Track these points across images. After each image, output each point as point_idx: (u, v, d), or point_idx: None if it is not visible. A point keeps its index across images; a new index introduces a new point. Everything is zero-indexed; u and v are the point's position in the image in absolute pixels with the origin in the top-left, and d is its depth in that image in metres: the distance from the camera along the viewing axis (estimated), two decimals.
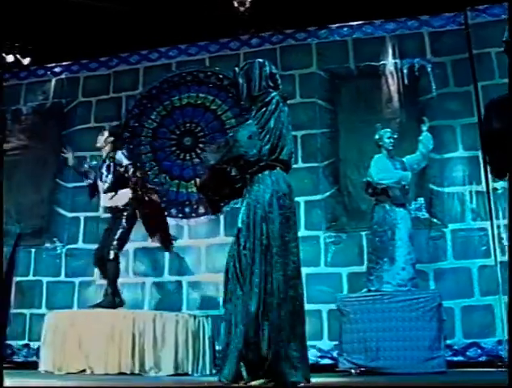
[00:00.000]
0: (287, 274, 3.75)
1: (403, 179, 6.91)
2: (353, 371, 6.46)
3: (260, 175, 3.83)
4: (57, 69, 9.85)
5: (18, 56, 10.23)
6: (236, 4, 8.70)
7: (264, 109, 3.88)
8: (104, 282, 8.37)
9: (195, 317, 6.87)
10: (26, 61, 10.25)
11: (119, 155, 7.07)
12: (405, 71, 8.32)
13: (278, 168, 3.86)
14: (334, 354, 7.56)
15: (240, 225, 3.86)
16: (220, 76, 8.92)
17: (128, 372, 6.25)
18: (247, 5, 8.69)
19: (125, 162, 7.01)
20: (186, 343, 6.57)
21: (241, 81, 4.07)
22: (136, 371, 6.23)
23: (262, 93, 3.97)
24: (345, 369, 6.54)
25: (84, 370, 6.32)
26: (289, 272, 3.77)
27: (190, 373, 6.55)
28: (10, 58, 10.13)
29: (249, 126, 3.91)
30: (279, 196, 3.79)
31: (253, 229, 3.77)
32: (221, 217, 8.32)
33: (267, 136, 3.81)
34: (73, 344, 6.42)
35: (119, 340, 6.32)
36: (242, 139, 3.85)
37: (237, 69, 4.22)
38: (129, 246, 8.10)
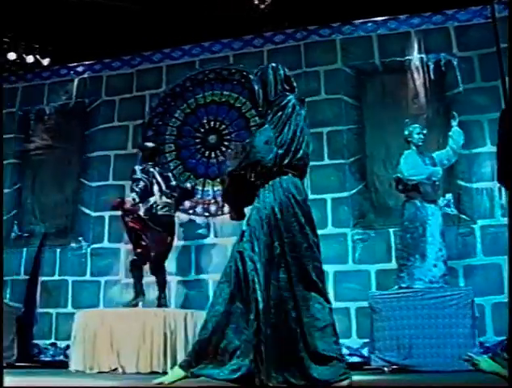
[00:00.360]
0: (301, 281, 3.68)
1: (434, 175, 6.85)
2: (385, 369, 6.41)
3: (272, 180, 3.76)
4: (80, 69, 9.84)
5: (37, 56, 10.28)
6: (256, 1, 8.69)
7: (280, 113, 3.82)
8: (129, 280, 8.42)
9: None
10: (45, 61, 10.29)
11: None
12: (431, 66, 8.23)
13: (290, 174, 3.78)
14: (363, 352, 7.53)
15: (244, 227, 3.82)
16: (244, 73, 8.86)
17: (161, 371, 6.25)
18: (267, 1, 8.67)
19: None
20: None
21: (256, 87, 4.02)
22: (169, 370, 6.19)
23: (278, 97, 3.91)
24: (377, 366, 6.49)
25: (116, 369, 6.33)
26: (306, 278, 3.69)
27: None
28: (30, 59, 10.19)
29: (265, 131, 3.84)
30: (290, 202, 3.72)
31: (259, 235, 3.70)
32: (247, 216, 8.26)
33: (283, 141, 3.75)
34: (104, 343, 6.44)
35: (151, 339, 6.32)
36: (259, 145, 3.79)
37: (251, 76, 4.19)
38: None
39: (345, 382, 3.52)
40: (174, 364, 6.25)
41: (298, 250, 3.69)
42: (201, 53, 9.24)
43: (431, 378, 5.58)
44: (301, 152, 3.79)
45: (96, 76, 9.71)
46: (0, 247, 6.42)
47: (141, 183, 7.36)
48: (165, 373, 6.18)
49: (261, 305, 3.56)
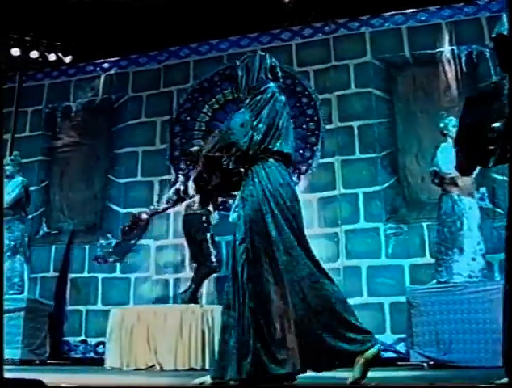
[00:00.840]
0: (296, 274, 3.52)
1: None
2: (425, 364, 6.34)
3: (253, 167, 3.66)
4: (106, 65, 9.82)
5: (59, 54, 10.27)
6: None
7: (258, 98, 3.74)
8: (160, 277, 8.41)
9: None
10: (67, 59, 10.28)
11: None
12: (463, 58, 8.13)
13: (272, 159, 3.65)
14: (398, 347, 7.47)
15: (231, 220, 3.75)
16: None
17: (199, 368, 6.22)
18: None
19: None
20: None
21: (240, 73, 3.93)
22: (207, 367, 6.16)
23: (258, 83, 3.83)
24: (417, 362, 6.42)
25: (153, 366, 6.30)
26: (300, 272, 3.53)
27: None
28: (52, 57, 10.19)
29: (242, 114, 3.76)
30: (275, 188, 3.60)
31: (249, 224, 3.58)
32: None
33: (260, 125, 3.65)
34: (140, 340, 6.41)
35: (188, 336, 6.28)
36: (235, 126, 3.70)
37: (237, 61, 4.12)
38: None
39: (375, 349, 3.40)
40: (212, 360, 6.23)
41: (283, 237, 3.55)
42: (229, 48, 9.18)
43: (470, 374, 5.50)
44: (282, 137, 3.67)
45: (122, 72, 9.69)
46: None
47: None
48: (204, 369, 6.17)
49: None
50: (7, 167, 8.29)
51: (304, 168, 8.36)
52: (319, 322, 3.44)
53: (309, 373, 3.53)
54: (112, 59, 9.80)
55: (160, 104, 9.28)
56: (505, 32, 2.82)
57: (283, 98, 3.83)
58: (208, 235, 7.43)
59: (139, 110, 9.35)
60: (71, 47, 10.32)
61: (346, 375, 3.39)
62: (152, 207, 8.07)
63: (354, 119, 8.31)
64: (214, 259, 7.34)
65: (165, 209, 7.94)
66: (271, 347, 3.37)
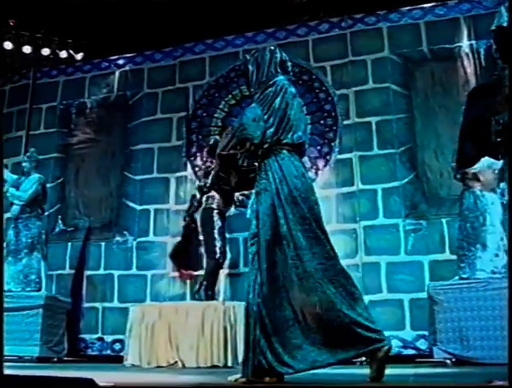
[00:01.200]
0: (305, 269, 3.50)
1: (494, 163, 6.69)
2: (448, 361, 6.28)
3: (266, 160, 3.67)
4: (121, 62, 9.78)
5: (71, 51, 10.25)
6: None
7: (268, 91, 3.76)
8: (177, 274, 8.37)
9: None
10: (79, 56, 10.26)
11: None
12: (482, 52, 8.06)
13: (285, 151, 3.67)
14: (418, 344, 7.42)
15: (248, 216, 3.74)
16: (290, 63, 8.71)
17: (221, 365, 6.17)
18: None
19: None
20: None
21: (250, 68, 3.96)
22: (230, 364, 6.13)
23: (267, 77, 3.85)
24: (440, 359, 6.36)
25: (175, 363, 6.26)
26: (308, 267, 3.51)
27: None
28: (63, 54, 10.17)
29: (253, 108, 3.77)
30: (288, 180, 3.60)
31: (261, 219, 3.58)
32: None
33: (271, 118, 3.67)
34: (162, 337, 6.38)
35: (210, 333, 6.25)
36: (247, 122, 3.71)
37: (247, 56, 4.11)
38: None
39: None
40: (235, 357, 6.20)
41: (297, 229, 3.53)
42: (245, 43, 9.11)
43: (494, 371, 5.44)
44: (294, 128, 3.69)
45: (137, 68, 9.64)
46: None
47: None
48: (226, 366, 6.13)
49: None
50: (24, 164, 8.29)
51: (321, 164, 8.31)
52: (323, 321, 3.39)
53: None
54: (127, 55, 9.75)
55: (176, 100, 9.23)
56: (505, 24, 2.93)
57: (292, 89, 3.84)
58: (216, 230, 7.42)
59: (154, 106, 9.30)
60: (83, 44, 10.34)
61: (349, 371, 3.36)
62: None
63: (372, 114, 8.25)
64: (218, 251, 7.29)
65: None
66: (274, 344, 3.36)
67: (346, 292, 3.45)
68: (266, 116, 3.67)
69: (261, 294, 3.45)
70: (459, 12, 8.30)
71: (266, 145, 3.65)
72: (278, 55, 3.96)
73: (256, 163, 3.77)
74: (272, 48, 4.06)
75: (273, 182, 3.59)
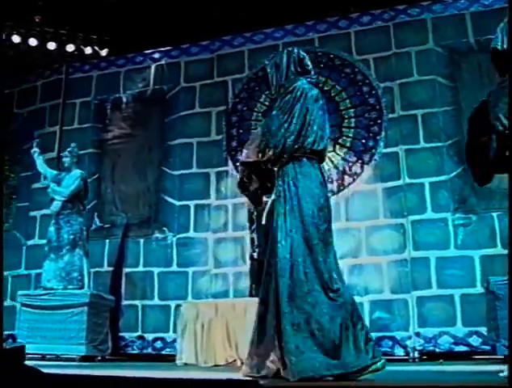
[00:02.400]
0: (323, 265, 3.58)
1: None
2: None
3: (285, 167, 3.69)
4: (156, 56, 9.63)
5: (95, 47, 10.14)
6: None
7: (288, 97, 3.76)
8: (219, 271, 8.26)
9: None
10: (103, 52, 10.15)
11: None
12: None
13: (305, 158, 3.68)
14: (470, 341, 7.29)
15: (264, 222, 3.86)
16: (332, 56, 8.60)
17: None
18: None
19: None
20: None
21: (269, 71, 3.97)
22: None
23: (287, 81, 3.84)
24: (504, 355, 6.22)
25: (234, 361, 6.13)
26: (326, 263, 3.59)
27: None
28: (88, 50, 10.06)
29: (273, 116, 3.78)
30: (303, 186, 3.63)
31: (272, 225, 3.65)
32: (341, 202, 8.07)
33: (292, 126, 3.67)
34: (219, 335, 6.24)
35: None
36: (269, 130, 3.73)
37: (266, 61, 4.09)
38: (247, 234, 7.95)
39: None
40: None
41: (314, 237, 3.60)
42: (284, 36, 8.97)
43: None
44: (314, 135, 3.68)
45: (174, 62, 9.49)
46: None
47: None
48: None
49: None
50: (65, 159, 8.17)
51: (367, 158, 8.17)
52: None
53: None
54: (162, 49, 9.60)
55: (214, 94, 9.10)
56: (499, 45, 3.29)
57: (314, 92, 3.81)
58: (255, 230, 7.35)
59: (192, 100, 9.16)
60: (107, 40, 10.22)
61: None
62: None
63: (418, 107, 8.13)
64: (255, 251, 7.22)
65: None
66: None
67: None
68: (286, 124, 3.67)
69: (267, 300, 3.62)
70: (506, 1, 8.13)
71: (286, 155, 3.67)
72: (295, 54, 3.94)
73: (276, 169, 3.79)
74: (290, 48, 4.04)
75: (287, 188, 3.63)
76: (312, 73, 3.97)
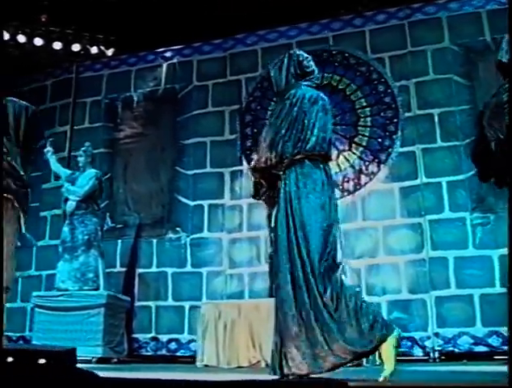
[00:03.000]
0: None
1: None
2: None
3: (287, 171, 3.71)
4: (168, 54, 9.55)
5: (101, 47, 10.06)
6: None
7: (283, 104, 3.78)
8: (234, 271, 8.20)
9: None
10: (109, 51, 10.06)
11: None
12: None
13: (306, 161, 3.68)
14: (490, 341, 7.25)
15: (272, 225, 3.82)
16: (346, 54, 8.54)
17: None
18: None
19: None
20: None
21: (273, 74, 3.98)
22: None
23: (286, 86, 3.84)
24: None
25: (258, 362, 6.07)
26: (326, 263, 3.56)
27: (364, 363, 6.23)
28: (94, 50, 9.98)
29: (272, 123, 3.80)
30: (302, 189, 3.63)
31: (274, 229, 3.71)
32: (358, 202, 8.03)
33: (289, 131, 3.69)
34: (242, 336, 6.17)
35: None
36: (265, 139, 3.76)
37: (270, 66, 4.09)
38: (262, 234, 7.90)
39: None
40: None
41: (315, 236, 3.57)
42: (298, 35, 8.90)
43: None
44: (315, 139, 3.68)
45: (186, 61, 9.42)
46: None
47: None
48: None
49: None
50: (80, 159, 8.08)
51: (383, 157, 8.12)
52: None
53: None
54: (174, 47, 9.52)
55: (227, 93, 9.03)
56: (504, 58, 3.41)
57: (311, 94, 3.78)
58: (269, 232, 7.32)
59: (205, 99, 9.09)
60: (113, 39, 10.14)
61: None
62: None
63: (435, 106, 8.08)
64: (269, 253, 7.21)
65: None
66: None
67: None
68: (283, 130, 3.68)
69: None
70: None
71: (286, 161, 3.68)
72: (295, 58, 3.92)
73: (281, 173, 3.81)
74: (292, 52, 4.03)
75: (288, 191, 3.65)
76: (316, 73, 3.95)
